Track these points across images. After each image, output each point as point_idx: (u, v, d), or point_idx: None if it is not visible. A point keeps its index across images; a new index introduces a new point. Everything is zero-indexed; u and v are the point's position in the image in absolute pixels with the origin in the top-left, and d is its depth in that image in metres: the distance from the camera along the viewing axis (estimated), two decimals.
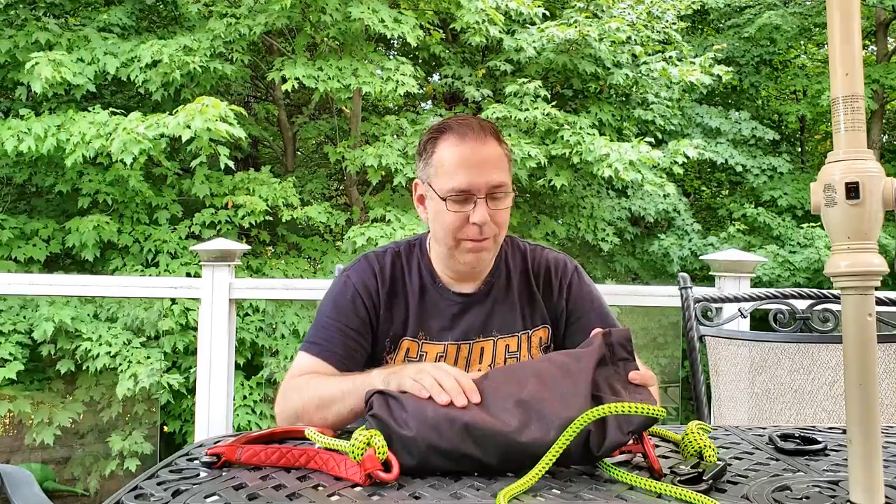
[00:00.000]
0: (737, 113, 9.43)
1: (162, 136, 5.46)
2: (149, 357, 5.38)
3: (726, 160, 9.01)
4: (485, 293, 1.49)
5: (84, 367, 5.38)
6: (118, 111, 5.84)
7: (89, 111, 5.80)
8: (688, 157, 7.34)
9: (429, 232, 1.52)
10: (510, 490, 0.91)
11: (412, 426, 1.01)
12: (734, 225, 8.90)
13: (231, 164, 5.84)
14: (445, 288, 1.48)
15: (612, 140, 7.21)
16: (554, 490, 0.95)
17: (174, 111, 5.60)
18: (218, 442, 1.09)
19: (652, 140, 7.34)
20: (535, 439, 0.99)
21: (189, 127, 5.34)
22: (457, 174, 1.37)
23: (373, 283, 1.46)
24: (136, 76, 6.04)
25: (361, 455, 0.97)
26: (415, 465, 1.00)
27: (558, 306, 1.51)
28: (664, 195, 7.99)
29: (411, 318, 1.46)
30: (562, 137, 6.96)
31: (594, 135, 7.06)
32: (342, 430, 1.25)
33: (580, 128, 7.06)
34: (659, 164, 7.10)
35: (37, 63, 5.48)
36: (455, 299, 1.48)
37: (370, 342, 1.45)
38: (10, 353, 5.26)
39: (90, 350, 5.28)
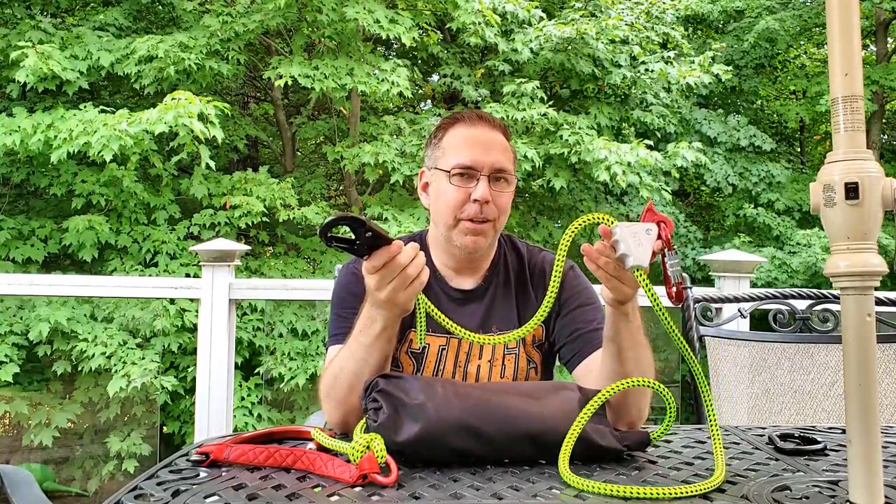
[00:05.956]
0: (735, 118, 9.39)
1: (146, 132, 5.41)
2: (143, 358, 5.35)
3: (718, 183, 9.00)
4: (484, 289, 1.52)
5: (80, 369, 5.36)
6: (108, 109, 5.80)
7: (81, 109, 5.78)
8: (686, 159, 7.30)
9: (427, 230, 1.56)
10: (563, 463, 0.99)
11: (422, 398, 1.06)
12: (729, 219, 8.88)
13: (212, 163, 5.79)
14: (446, 282, 1.51)
15: (610, 141, 7.18)
16: (554, 490, 0.95)
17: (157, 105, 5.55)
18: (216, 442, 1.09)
19: (651, 143, 7.31)
20: (536, 415, 1.06)
21: (164, 122, 5.25)
22: (463, 151, 1.44)
23: None
24: (130, 70, 6.00)
25: (360, 457, 0.97)
26: (416, 434, 1.02)
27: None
28: (664, 204, 7.91)
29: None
30: (560, 137, 6.94)
31: (593, 135, 7.04)
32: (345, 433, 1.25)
33: (579, 127, 7.04)
34: (659, 167, 7.08)
35: (23, 53, 5.43)
36: (455, 294, 1.51)
37: None
38: (6, 355, 5.23)
39: (86, 350, 5.26)
